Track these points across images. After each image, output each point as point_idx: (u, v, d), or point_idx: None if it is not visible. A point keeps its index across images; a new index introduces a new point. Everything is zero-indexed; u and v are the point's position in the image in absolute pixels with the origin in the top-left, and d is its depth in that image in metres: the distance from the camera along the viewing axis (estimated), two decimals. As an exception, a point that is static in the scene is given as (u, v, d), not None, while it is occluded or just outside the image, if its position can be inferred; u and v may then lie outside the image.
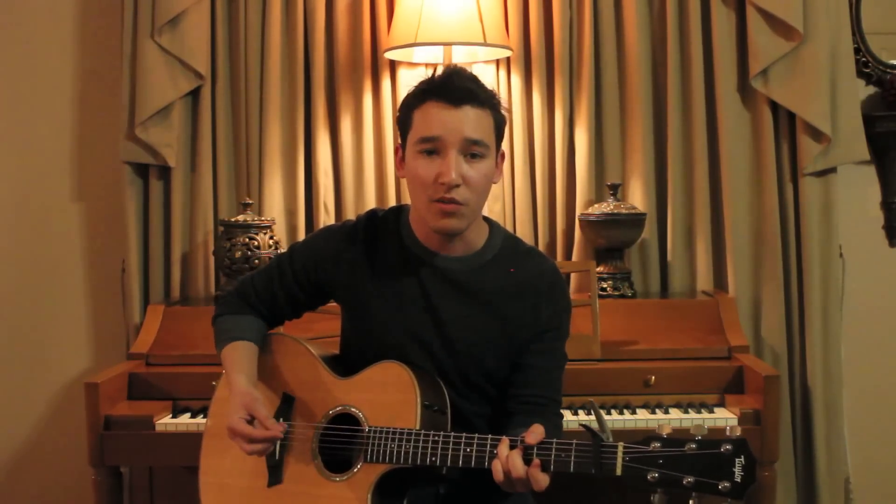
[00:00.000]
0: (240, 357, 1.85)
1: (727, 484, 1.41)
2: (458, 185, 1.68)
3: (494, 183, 1.80)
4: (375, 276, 1.82)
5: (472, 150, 1.70)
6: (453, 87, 1.70)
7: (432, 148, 1.69)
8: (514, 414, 1.78)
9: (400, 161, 1.80)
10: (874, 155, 3.04)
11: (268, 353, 1.91)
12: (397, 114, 1.80)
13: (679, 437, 1.47)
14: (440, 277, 1.79)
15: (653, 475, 1.45)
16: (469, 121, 1.69)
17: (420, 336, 1.79)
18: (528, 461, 1.55)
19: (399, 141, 1.81)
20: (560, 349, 1.84)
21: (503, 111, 1.77)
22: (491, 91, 1.75)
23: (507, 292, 1.79)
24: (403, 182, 2.97)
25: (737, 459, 1.42)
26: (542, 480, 1.54)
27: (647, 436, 1.49)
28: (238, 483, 1.85)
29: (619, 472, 1.48)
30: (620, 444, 1.49)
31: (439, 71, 1.76)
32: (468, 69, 1.78)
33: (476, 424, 1.82)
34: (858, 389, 3.07)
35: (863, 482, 3.09)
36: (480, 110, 1.71)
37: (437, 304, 1.79)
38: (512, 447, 1.58)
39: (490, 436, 1.62)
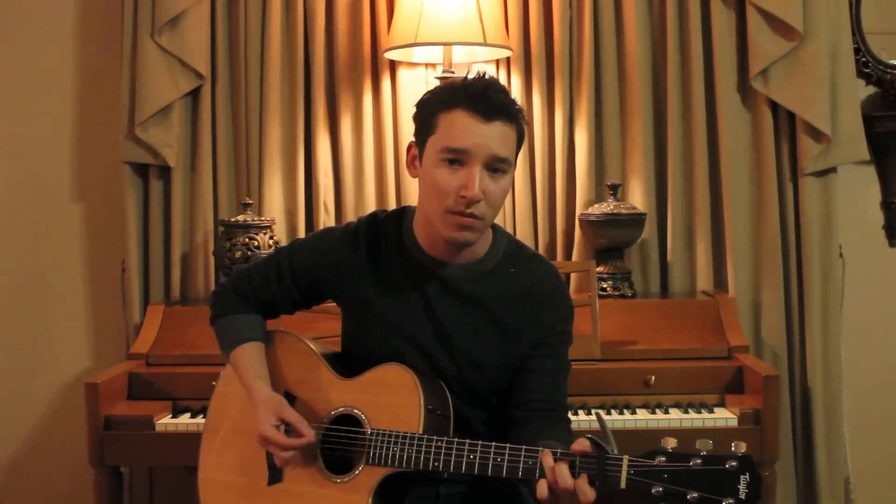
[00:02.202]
0: (252, 360, 1.85)
1: (731, 501, 1.40)
2: (478, 201, 1.65)
3: (507, 194, 1.78)
4: (377, 281, 1.80)
5: (496, 166, 1.67)
6: (488, 100, 1.65)
7: (456, 159, 1.66)
8: (527, 422, 1.76)
9: (413, 159, 1.76)
10: (874, 155, 3.04)
11: (270, 350, 1.91)
12: (416, 110, 1.75)
13: (684, 452, 1.45)
14: (442, 286, 1.78)
15: (657, 489, 1.44)
16: (498, 137, 1.65)
17: (421, 343, 1.78)
18: (573, 474, 1.51)
19: (412, 139, 1.76)
20: (564, 354, 1.82)
21: (524, 125, 1.74)
22: (519, 106, 1.71)
23: (509, 300, 1.78)
24: (404, 183, 2.98)
25: (742, 476, 1.41)
26: (589, 494, 1.49)
27: (653, 449, 1.47)
28: (238, 480, 1.84)
29: (623, 485, 1.47)
30: (625, 458, 1.47)
31: (471, 75, 1.70)
32: (494, 77, 1.74)
33: (476, 428, 1.81)
34: (858, 389, 3.07)
35: (863, 482, 3.09)
36: (508, 126, 1.67)
37: (439, 312, 1.78)
38: (512, 456, 1.56)
39: (494, 443, 1.61)
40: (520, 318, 1.78)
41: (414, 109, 1.76)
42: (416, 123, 1.74)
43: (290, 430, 1.75)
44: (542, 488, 1.52)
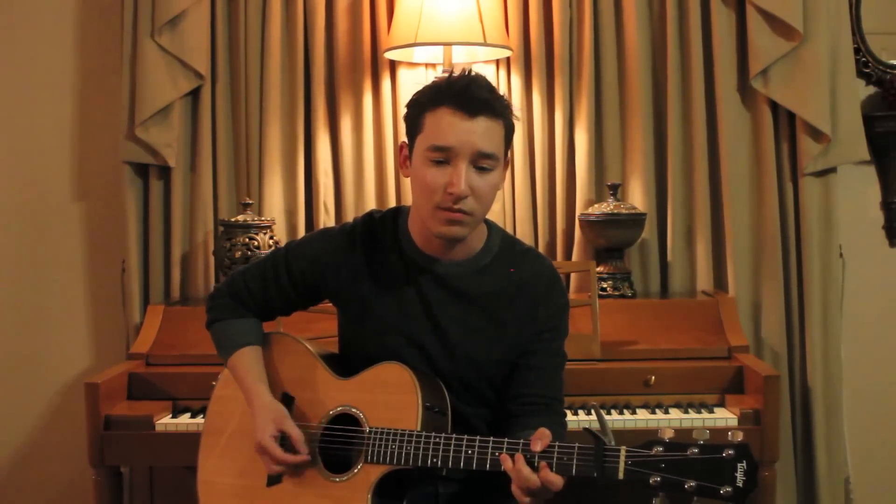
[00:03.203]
0: (251, 364, 1.86)
1: (729, 489, 1.41)
2: (466, 197, 1.66)
3: (498, 189, 1.79)
4: (374, 281, 1.81)
5: (481, 162, 1.67)
6: (470, 96, 1.66)
7: (443, 158, 1.67)
8: (518, 416, 1.77)
9: (405, 159, 1.77)
10: (874, 155, 3.04)
11: (268, 352, 1.91)
12: (406, 110, 1.77)
13: (681, 442, 1.46)
14: (439, 283, 1.78)
15: (655, 479, 1.45)
16: (482, 133, 1.66)
17: (419, 342, 1.79)
18: (534, 465, 1.55)
19: (405, 139, 1.77)
20: (560, 348, 1.83)
21: (514, 119, 1.75)
22: (505, 101, 1.72)
23: (506, 295, 1.78)
24: (404, 182, 2.99)
25: (739, 464, 1.42)
26: (556, 482, 1.53)
27: (650, 440, 1.48)
28: (237, 482, 1.85)
29: (621, 476, 1.48)
30: (623, 448, 1.49)
31: (456, 73, 1.71)
32: (479, 73, 1.74)
33: (475, 426, 1.82)
34: (858, 389, 3.07)
35: (863, 482, 3.09)
36: (493, 122, 1.68)
37: (436, 310, 1.78)
38: (511, 450, 1.57)
39: (492, 438, 1.62)
40: (516, 314, 1.78)
41: (405, 110, 1.77)
42: (406, 123, 1.76)
43: (286, 442, 1.76)
44: (515, 490, 1.56)
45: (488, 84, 1.71)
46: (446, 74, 1.74)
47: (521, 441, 1.58)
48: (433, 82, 1.76)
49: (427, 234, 1.75)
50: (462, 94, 1.67)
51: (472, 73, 1.72)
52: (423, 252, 1.78)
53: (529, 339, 1.79)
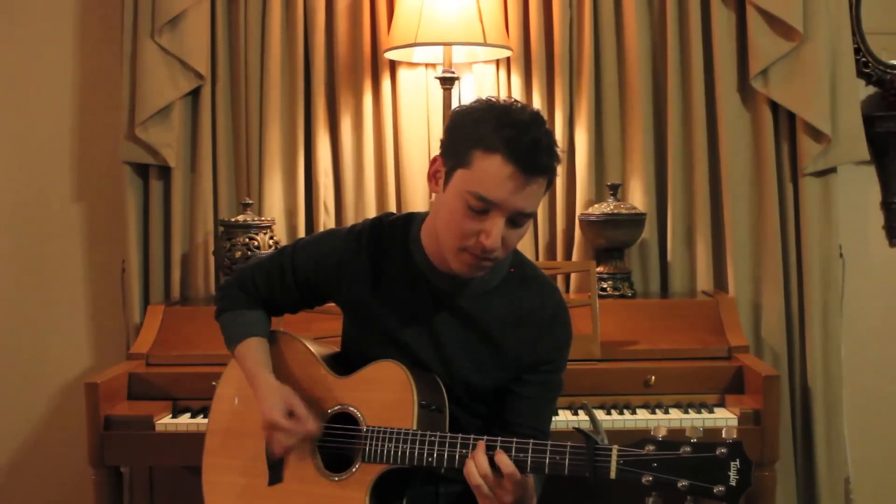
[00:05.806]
0: (257, 354, 1.85)
1: (722, 488, 1.40)
2: (496, 250, 1.62)
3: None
4: (378, 287, 1.79)
5: (519, 220, 1.63)
6: (533, 160, 1.56)
7: (483, 208, 1.59)
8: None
9: (435, 174, 1.68)
10: (874, 155, 3.04)
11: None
12: (451, 127, 1.66)
13: (674, 440, 1.45)
14: (443, 300, 1.76)
15: (647, 479, 1.44)
16: (529, 194, 1.59)
17: (417, 354, 1.77)
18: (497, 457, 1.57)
19: (440, 154, 1.67)
20: (556, 380, 1.81)
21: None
22: (559, 154, 1.64)
23: (509, 321, 1.76)
24: (404, 182, 2.99)
25: (732, 463, 1.41)
26: (508, 464, 1.55)
27: (643, 438, 1.47)
28: (239, 481, 1.85)
29: (613, 475, 1.47)
30: (615, 448, 1.48)
31: (519, 112, 1.61)
32: (542, 122, 1.63)
33: (467, 430, 1.81)
34: (858, 389, 3.07)
35: (863, 482, 3.09)
36: (543, 181, 1.61)
37: (437, 326, 1.77)
38: (505, 447, 1.58)
39: (486, 436, 1.62)
40: (516, 342, 1.76)
41: (447, 120, 1.69)
42: (448, 141, 1.66)
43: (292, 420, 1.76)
44: (469, 475, 1.57)
45: (550, 142, 1.61)
46: (505, 102, 1.63)
47: (515, 440, 1.58)
48: (492, 112, 1.61)
49: (441, 254, 1.70)
50: (525, 154, 1.56)
51: (537, 125, 1.60)
52: (433, 266, 1.74)
53: (526, 369, 1.77)
